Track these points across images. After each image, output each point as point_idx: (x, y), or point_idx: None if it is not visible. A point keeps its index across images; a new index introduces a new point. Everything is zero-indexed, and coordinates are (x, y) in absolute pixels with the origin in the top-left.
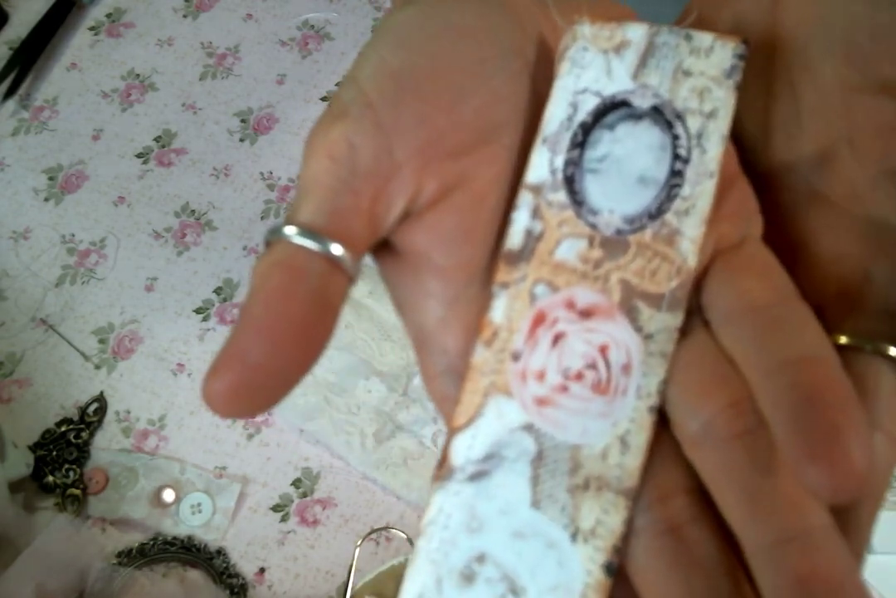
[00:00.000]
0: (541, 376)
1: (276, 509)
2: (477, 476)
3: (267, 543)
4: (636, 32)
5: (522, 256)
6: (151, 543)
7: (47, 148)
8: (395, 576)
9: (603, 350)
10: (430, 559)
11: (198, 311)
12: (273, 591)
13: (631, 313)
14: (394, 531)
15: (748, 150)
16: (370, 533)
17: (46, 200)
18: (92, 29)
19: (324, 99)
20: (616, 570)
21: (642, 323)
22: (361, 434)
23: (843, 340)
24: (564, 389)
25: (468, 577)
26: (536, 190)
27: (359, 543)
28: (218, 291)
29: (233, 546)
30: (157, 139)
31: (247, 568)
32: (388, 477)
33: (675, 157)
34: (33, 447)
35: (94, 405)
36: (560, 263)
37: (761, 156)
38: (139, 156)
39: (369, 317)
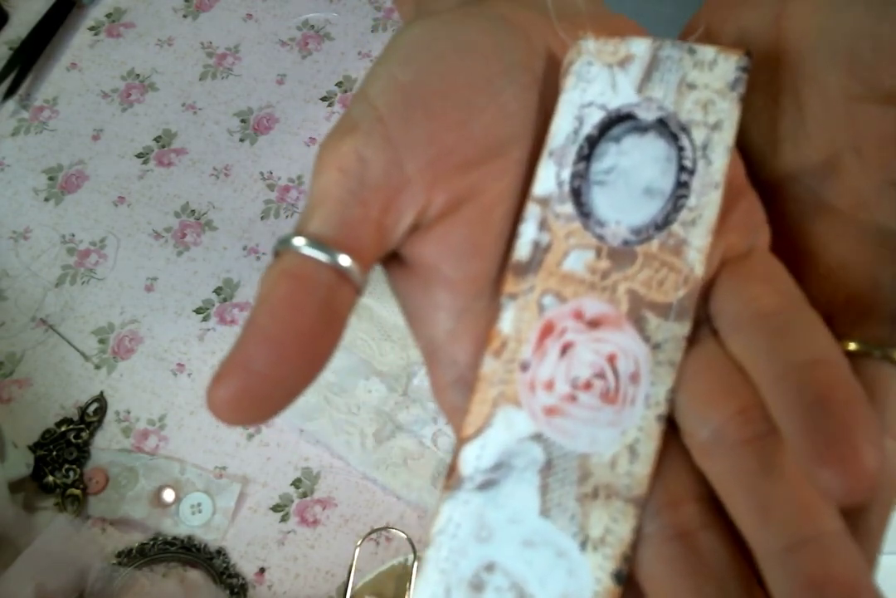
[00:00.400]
0: (549, 385)
1: (276, 509)
2: (486, 486)
3: (267, 543)
4: (640, 47)
5: (530, 268)
6: (151, 543)
7: (47, 148)
8: (395, 576)
9: (611, 360)
10: (439, 568)
11: (198, 311)
12: (273, 591)
13: (639, 323)
14: (394, 531)
15: (755, 161)
16: (370, 533)
17: (46, 200)
18: (92, 29)
19: (324, 99)
20: (626, 578)
21: (650, 333)
22: (361, 434)
23: (853, 346)
24: (573, 398)
25: (477, 586)
26: (544, 202)
27: (359, 543)
28: (218, 291)
29: (233, 546)
30: (157, 139)
31: (247, 568)
32: (388, 477)
33: (681, 168)
34: (33, 447)
35: (94, 405)
36: (568, 274)
37: (768, 166)
38: (139, 156)
39: (369, 317)
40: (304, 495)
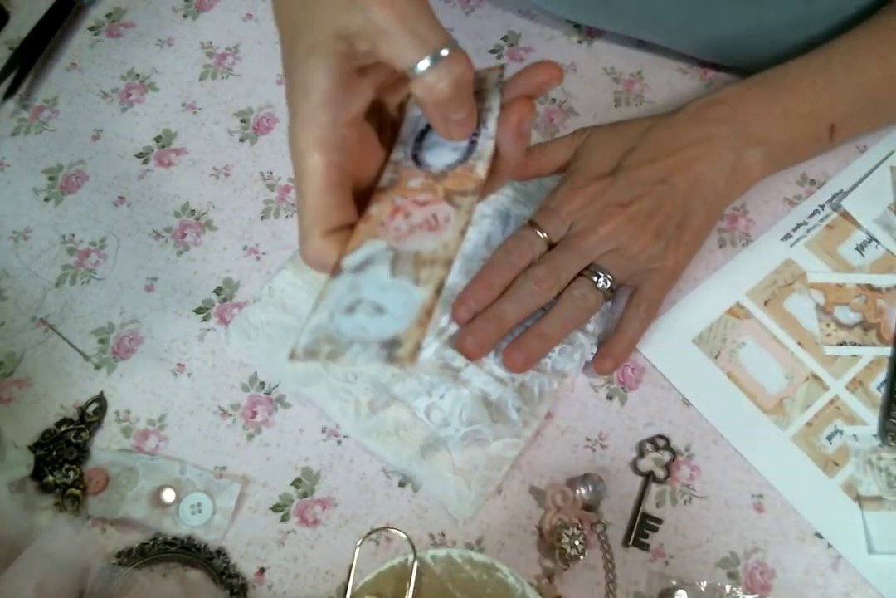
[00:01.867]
0: (397, 229)
1: (276, 509)
2: (357, 269)
3: (267, 543)
4: None
5: (386, 189)
6: (151, 543)
7: (47, 148)
8: (395, 576)
9: (434, 215)
10: (327, 307)
11: (198, 311)
12: (273, 591)
13: (449, 200)
14: (394, 531)
15: None
16: (370, 533)
17: (46, 200)
18: (92, 29)
19: None
20: (441, 290)
21: (456, 203)
22: (356, 402)
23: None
24: (412, 231)
25: (350, 309)
26: (396, 162)
27: (359, 543)
28: (218, 291)
29: (233, 546)
30: (157, 139)
31: (247, 568)
32: (378, 445)
33: (473, 133)
34: (33, 447)
35: (94, 405)
36: (409, 188)
37: None
38: (139, 156)
39: None
40: (304, 495)
